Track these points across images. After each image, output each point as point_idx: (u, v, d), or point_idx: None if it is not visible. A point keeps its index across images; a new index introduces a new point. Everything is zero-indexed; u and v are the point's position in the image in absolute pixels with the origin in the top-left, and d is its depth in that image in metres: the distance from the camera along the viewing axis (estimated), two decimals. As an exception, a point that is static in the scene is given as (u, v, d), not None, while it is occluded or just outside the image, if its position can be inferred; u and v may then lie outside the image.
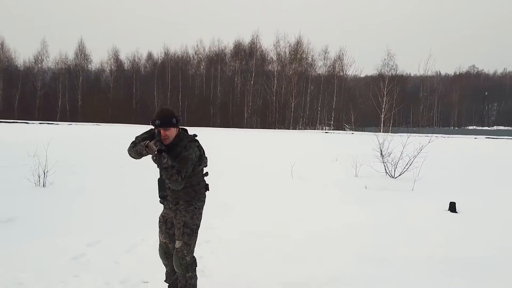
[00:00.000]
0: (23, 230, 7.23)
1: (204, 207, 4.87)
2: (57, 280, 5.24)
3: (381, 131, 43.55)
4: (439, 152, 14.59)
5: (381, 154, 12.07)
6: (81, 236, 7.01)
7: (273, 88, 62.16)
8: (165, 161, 4.21)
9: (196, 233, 4.77)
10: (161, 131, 4.37)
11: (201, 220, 4.86)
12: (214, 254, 6.21)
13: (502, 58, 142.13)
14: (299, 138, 20.55)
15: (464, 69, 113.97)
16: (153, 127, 4.51)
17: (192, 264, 4.75)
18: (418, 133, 30.16)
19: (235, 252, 6.42)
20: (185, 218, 4.64)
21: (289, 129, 58.28)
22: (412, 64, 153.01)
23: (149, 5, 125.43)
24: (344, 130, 54.27)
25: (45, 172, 9.72)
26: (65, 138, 15.54)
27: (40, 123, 24.45)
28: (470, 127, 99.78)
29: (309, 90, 64.68)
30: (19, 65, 63.46)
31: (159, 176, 4.33)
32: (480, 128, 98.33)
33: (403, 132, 25.73)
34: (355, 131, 47.24)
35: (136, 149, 4.49)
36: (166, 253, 4.89)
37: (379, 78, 55.52)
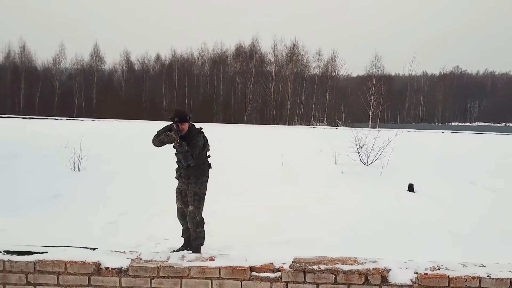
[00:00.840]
0: (67, 203, 8.56)
1: (208, 180, 6.21)
2: (100, 239, 6.52)
3: (369, 126, 44.71)
4: (406, 144, 15.85)
5: (356, 145, 13.34)
6: (113, 207, 8.33)
7: (271, 87, 63.06)
8: (182, 146, 5.61)
9: (203, 199, 6.12)
10: (179, 125, 5.71)
11: (207, 190, 6.21)
12: (218, 221, 7.47)
13: (484, 59, 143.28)
14: (292, 132, 21.75)
15: (448, 69, 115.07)
16: (171, 122, 5.86)
17: (200, 222, 6.10)
18: (403, 128, 31.32)
19: (234, 220, 7.73)
20: (195, 189, 5.99)
21: (285, 125, 59.32)
22: (400, 64, 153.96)
23: (157, 11, 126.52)
24: (336, 125, 55.32)
25: (80, 159, 11.00)
26: (91, 131, 16.74)
27: (68, 119, 25.50)
28: (453, 123, 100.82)
29: (304, 89, 65.44)
30: (38, 66, 64.70)
31: (176, 159, 5.72)
32: (463, 124, 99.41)
33: (390, 128, 26.93)
34: (346, 126, 48.36)
35: (160, 139, 5.84)
36: (182, 215, 6.23)
37: (368, 78, 56.58)
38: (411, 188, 10.11)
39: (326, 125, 58.72)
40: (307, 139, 17.31)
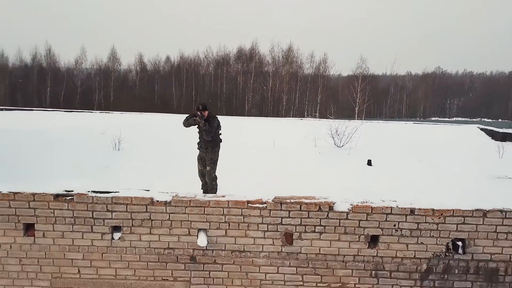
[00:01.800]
0: (115, 172, 10.72)
1: (219, 150, 8.40)
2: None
3: (356, 119, 46.60)
4: (374, 131, 17.87)
5: (331, 133, 15.43)
6: (149, 174, 10.46)
7: (269, 86, 64.96)
8: (206, 126, 7.84)
9: (216, 163, 8.28)
10: (202, 112, 7.92)
11: (219, 157, 8.39)
12: (225, 177, 9.51)
13: (464, 60, 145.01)
14: (284, 123, 23.77)
15: (430, 69, 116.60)
16: (196, 111, 8.06)
17: (215, 177, 8.28)
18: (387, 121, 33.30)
19: (236, 177, 9.83)
20: (211, 155, 8.17)
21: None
22: (388, 65, 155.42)
23: (167, 16, 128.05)
24: (328, 119, 57.12)
25: (120, 141, 13.12)
26: (121, 122, 18.81)
27: (100, 112, 27.41)
28: (433, 118, 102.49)
29: (298, 88, 67.29)
30: (61, 67, 66.70)
31: (199, 135, 7.98)
32: (442, 119, 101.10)
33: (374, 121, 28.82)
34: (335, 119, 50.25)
35: (188, 122, 8.03)
36: (202, 174, 8.38)
37: (354, 78, 58.53)
38: (369, 163, 12.19)
39: (318, 119, 60.55)
40: (296, 128, 19.39)
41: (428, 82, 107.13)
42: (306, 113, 68.15)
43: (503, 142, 13.46)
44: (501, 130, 15.38)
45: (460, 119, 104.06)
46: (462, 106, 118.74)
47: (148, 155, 12.67)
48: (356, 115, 55.26)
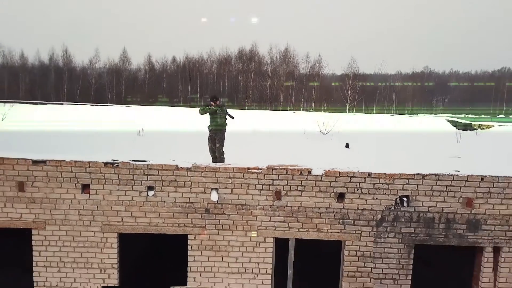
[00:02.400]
0: (150, 143, 12.06)
1: (226, 132, 9.96)
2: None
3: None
4: (356, 122, 19.36)
5: (318, 123, 16.95)
6: (168, 152, 11.98)
7: (267, 84, 66.45)
8: (219, 112, 9.38)
9: (224, 141, 9.86)
10: (215, 102, 9.46)
11: (225, 136, 9.95)
12: (230, 153, 11.06)
13: (451, 60, 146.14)
14: (279, 115, 25.28)
15: (419, 69, 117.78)
16: (210, 101, 9.62)
17: (223, 153, 9.80)
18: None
19: (238, 152, 11.32)
20: (220, 135, 9.71)
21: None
22: (377, 65, 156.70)
23: (174, 20, 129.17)
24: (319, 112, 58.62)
25: (142, 129, 14.62)
26: (142, 114, 20.30)
27: (121, 106, 28.79)
28: (421, 115, 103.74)
29: (294, 86, 68.76)
30: (77, 66, 68.15)
31: (210, 120, 9.54)
32: (429, 115, 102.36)
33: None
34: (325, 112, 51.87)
35: (205, 110, 9.58)
36: (212, 150, 9.90)
37: (345, 77, 60.07)
38: (347, 145, 13.75)
39: (309, 112, 61.99)
40: (289, 119, 20.92)
41: (416, 80, 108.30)
42: (302, 109, 69.59)
43: (463, 131, 14.98)
44: (463, 121, 16.90)
45: (445, 115, 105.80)
46: (448, 103, 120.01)
47: (167, 139, 14.14)
48: (348, 110, 56.98)
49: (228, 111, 10.00)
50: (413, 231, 7.51)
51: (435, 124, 17.70)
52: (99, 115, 18.84)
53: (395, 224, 7.48)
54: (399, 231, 7.52)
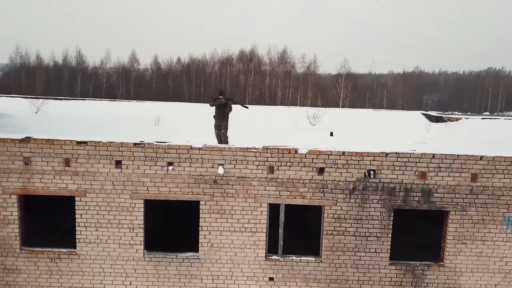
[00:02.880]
0: (165, 130, 13.49)
1: (229, 120, 11.34)
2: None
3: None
4: (342, 115, 20.71)
5: (307, 115, 18.31)
6: (184, 136, 13.32)
7: (266, 83, 67.61)
8: (229, 102, 10.76)
9: (228, 127, 11.24)
10: (223, 95, 10.86)
11: (229, 124, 11.32)
12: (233, 137, 12.53)
13: (440, 60, 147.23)
14: (275, 110, 26.61)
15: (410, 68, 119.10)
16: (218, 95, 10.99)
17: (227, 137, 11.14)
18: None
19: (239, 137, 12.73)
20: (225, 123, 11.04)
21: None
22: (370, 64, 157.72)
23: (180, 23, 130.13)
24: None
25: (158, 119, 15.95)
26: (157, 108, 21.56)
27: (134, 101, 29.94)
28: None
29: (291, 84, 69.88)
30: (89, 66, 69.43)
31: (216, 110, 10.93)
32: (412, 111, 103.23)
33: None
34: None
35: (215, 102, 10.95)
36: (218, 136, 11.25)
37: (338, 77, 61.35)
38: (331, 134, 15.14)
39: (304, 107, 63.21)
40: (283, 113, 22.25)
41: (407, 79, 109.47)
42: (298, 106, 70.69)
43: (435, 123, 16.37)
44: (435, 114, 18.30)
45: (433, 112, 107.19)
46: (437, 101, 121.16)
47: (182, 127, 15.49)
48: (341, 107, 58.25)
49: (237, 105, 11.42)
50: (379, 198, 8.94)
51: (412, 117, 19.10)
52: (118, 108, 20.25)
53: (364, 192, 8.92)
54: (368, 198, 8.96)
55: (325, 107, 62.19)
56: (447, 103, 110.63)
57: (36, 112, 16.08)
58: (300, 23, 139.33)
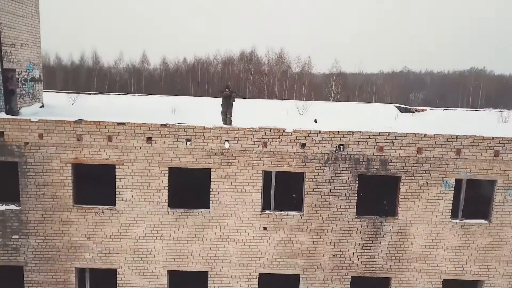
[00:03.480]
0: (181, 116, 15.33)
1: (233, 108, 13.35)
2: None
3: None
4: (328, 108, 22.49)
5: (297, 107, 20.19)
6: (197, 120, 15.30)
7: (265, 81, 69.43)
8: (233, 95, 12.80)
9: (232, 113, 13.25)
10: (229, 89, 12.87)
11: (233, 110, 13.31)
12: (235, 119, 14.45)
13: (428, 60, 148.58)
14: (270, 103, 28.20)
15: (398, 68, 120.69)
16: (224, 88, 13.01)
17: (231, 122, 13.25)
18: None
19: (242, 119, 14.69)
20: (230, 110, 13.12)
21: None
22: (363, 64, 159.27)
23: (186, 26, 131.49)
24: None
25: (174, 108, 17.77)
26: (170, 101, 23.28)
27: (151, 95, 31.30)
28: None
29: (287, 83, 71.68)
30: (104, 66, 71.22)
31: (222, 99, 12.98)
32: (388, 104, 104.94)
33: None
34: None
35: (223, 94, 12.98)
36: (224, 121, 13.35)
37: (330, 76, 63.13)
38: (315, 120, 16.98)
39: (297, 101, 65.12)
40: (277, 105, 23.99)
41: (395, 78, 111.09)
42: (294, 103, 72.35)
43: (404, 113, 18.31)
44: (404, 107, 20.25)
45: (404, 105, 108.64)
46: (424, 98, 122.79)
47: (195, 114, 17.28)
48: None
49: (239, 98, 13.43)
50: (347, 166, 10.96)
51: (387, 109, 20.98)
52: (136, 100, 22.10)
53: (336, 162, 10.93)
54: (334, 168, 10.97)
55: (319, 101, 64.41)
56: (432, 100, 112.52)
57: (73, 104, 18.02)
58: (297, 24, 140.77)
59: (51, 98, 18.39)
